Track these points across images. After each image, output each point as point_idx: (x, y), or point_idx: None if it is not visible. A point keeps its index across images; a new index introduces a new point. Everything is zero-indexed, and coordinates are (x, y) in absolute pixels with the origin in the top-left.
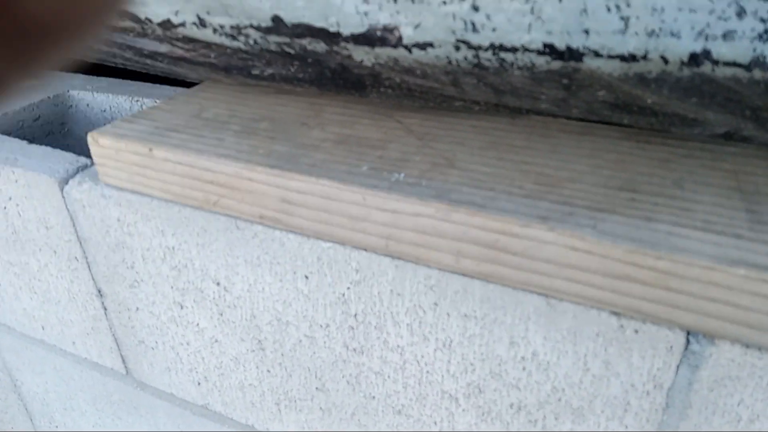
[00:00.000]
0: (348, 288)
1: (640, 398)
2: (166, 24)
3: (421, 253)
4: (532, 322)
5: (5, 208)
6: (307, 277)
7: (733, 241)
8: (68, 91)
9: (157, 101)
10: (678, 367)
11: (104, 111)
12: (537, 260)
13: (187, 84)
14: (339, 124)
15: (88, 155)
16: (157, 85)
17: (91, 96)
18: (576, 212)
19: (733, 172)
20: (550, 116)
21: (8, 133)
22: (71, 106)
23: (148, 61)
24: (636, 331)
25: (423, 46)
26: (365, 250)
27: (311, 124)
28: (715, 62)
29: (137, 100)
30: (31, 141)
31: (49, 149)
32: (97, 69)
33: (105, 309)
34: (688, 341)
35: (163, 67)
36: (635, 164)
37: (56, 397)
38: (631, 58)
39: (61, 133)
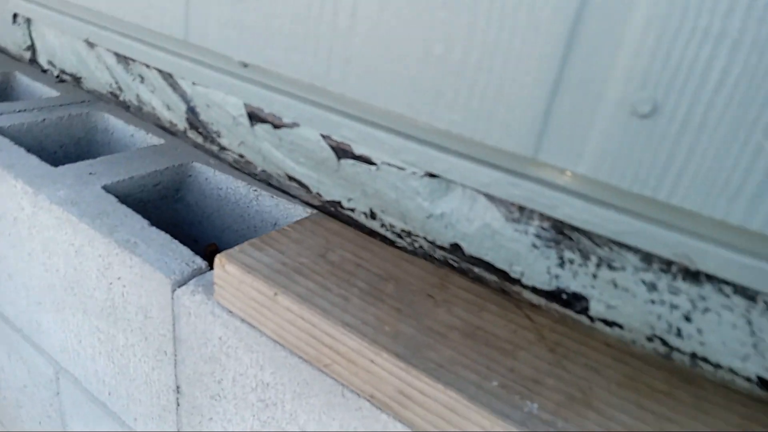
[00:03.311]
0: None
1: None
2: (335, 203)
3: None
4: None
5: (111, 284)
6: None
7: None
8: (192, 162)
9: (274, 196)
10: None
11: (220, 189)
12: None
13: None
14: (465, 305)
15: (194, 231)
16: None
17: (211, 173)
18: None
19: None
20: None
21: (128, 196)
22: (191, 175)
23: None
24: None
25: (611, 324)
26: None
27: (437, 299)
28: None
29: (255, 190)
30: (146, 204)
31: (168, 238)
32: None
33: (178, 405)
34: None
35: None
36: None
37: None
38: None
39: (174, 198)
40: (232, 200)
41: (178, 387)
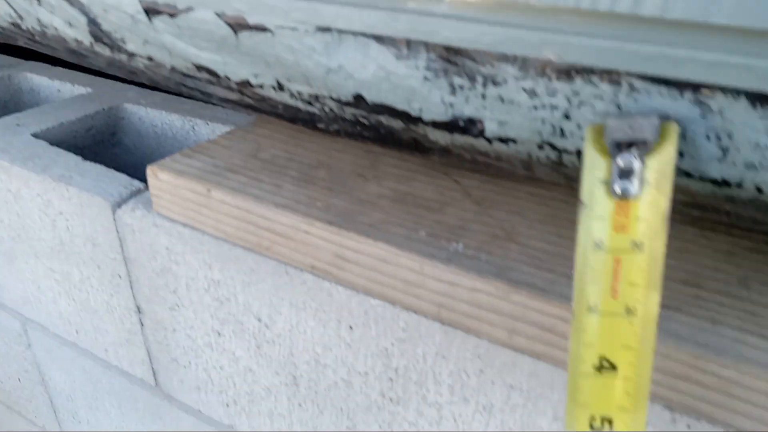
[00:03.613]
0: (392, 344)
1: None
2: (244, 83)
3: (472, 325)
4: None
5: (54, 221)
6: (351, 328)
7: None
8: (123, 104)
9: (209, 123)
10: None
11: (155, 126)
12: None
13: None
14: (395, 178)
15: (137, 174)
16: (209, 106)
17: (144, 111)
18: None
19: None
20: None
21: (62, 143)
22: (124, 118)
23: (214, 101)
24: (688, 426)
25: (505, 140)
26: (415, 312)
27: (368, 176)
28: None
29: (189, 120)
30: (82, 150)
31: (103, 169)
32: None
33: (142, 325)
34: None
35: (226, 106)
36: (699, 255)
37: (82, 395)
38: (724, 183)
39: (110, 142)
40: (170, 135)
41: (138, 307)
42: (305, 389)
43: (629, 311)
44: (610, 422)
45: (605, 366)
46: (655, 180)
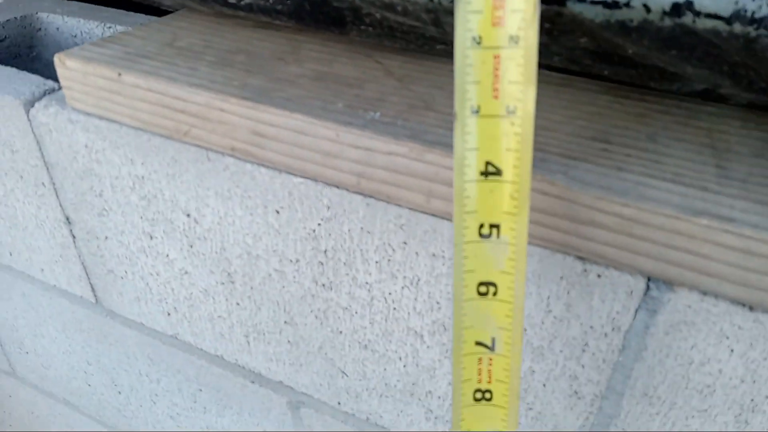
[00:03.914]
0: (319, 224)
1: (598, 339)
2: None
3: (392, 192)
4: None
5: None
6: (278, 212)
7: (699, 193)
8: (36, 13)
9: (130, 29)
10: (636, 311)
11: (75, 36)
12: None
13: (162, 13)
14: (317, 61)
15: (56, 80)
16: (131, 13)
17: (61, 20)
18: (549, 159)
19: (707, 129)
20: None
21: None
22: (40, 29)
23: None
24: (599, 276)
25: None
26: (337, 186)
27: (288, 60)
28: (697, 13)
29: (109, 27)
30: None
31: (14, 71)
32: None
33: (73, 237)
34: (648, 287)
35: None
36: (611, 117)
37: (25, 323)
38: (614, 4)
39: (29, 56)
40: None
41: (67, 218)
42: (241, 286)
43: (510, 111)
44: (498, 228)
45: (491, 171)
46: None
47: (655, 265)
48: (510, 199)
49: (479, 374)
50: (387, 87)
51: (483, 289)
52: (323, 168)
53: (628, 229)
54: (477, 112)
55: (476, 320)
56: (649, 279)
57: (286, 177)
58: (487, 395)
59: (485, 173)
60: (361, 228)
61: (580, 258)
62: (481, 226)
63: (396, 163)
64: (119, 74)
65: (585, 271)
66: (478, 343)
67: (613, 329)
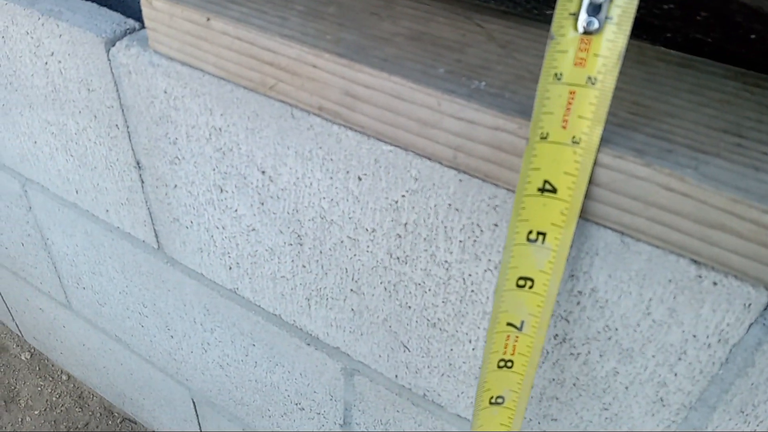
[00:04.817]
0: (403, 196)
1: (699, 349)
2: None
3: (491, 170)
4: (599, 257)
5: (46, 63)
6: (360, 179)
7: None
8: None
9: None
10: (751, 325)
11: None
12: (622, 195)
13: None
14: (412, 18)
15: (138, 19)
16: None
17: None
18: (676, 150)
19: None
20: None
21: None
22: None
23: None
24: (714, 284)
25: None
26: (429, 159)
27: (382, 15)
28: None
29: None
30: None
31: (95, 6)
32: None
33: (142, 182)
34: None
35: None
36: (742, 107)
37: (85, 260)
38: None
39: None
40: None
41: (138, 162)
42: (309, 249)
43: (575, 141)
44: (544, 236)
45: (547, 188)
46: (618, 17)
47: None
48: (560, 215)
49: (505, 348)
50: (490, 54)
51: (521, 282)
52: (417, 137)
53: (763, 238)
54: (545, 138)
55: (511, 306)
56: None
57: (375, 143)
58: (509, 364)
59: (542, 189)
60: (449, 205)
61: (696, 262)
62: (530, 232)
63: (500, 140)
64: (208, 19)
65: (699, 276)
66: (509, 324)
67: (719, 341)
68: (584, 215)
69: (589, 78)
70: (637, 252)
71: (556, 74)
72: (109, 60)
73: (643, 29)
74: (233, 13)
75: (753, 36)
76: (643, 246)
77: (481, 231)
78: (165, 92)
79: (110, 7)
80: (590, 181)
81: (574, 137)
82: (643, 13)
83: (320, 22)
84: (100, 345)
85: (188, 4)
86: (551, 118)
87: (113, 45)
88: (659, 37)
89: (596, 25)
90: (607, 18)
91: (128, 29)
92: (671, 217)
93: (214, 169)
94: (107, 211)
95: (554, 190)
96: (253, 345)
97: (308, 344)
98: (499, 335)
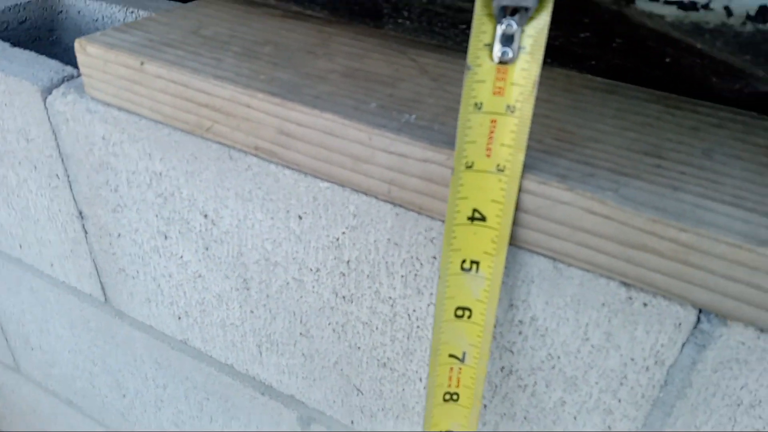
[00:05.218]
0: (343, 233)
1: (638, 373)
2: None
3: (425, 203)
4: (535, 285)
5: None
6: (300, 218)
7: (763, 219)
8: None
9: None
10: (684, 345)
11: (96, 20)
12: (549, 220)
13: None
14: (348, 56)
15: (77, 66)
16: None
17: (83, 2)
18: (597, 174)
19: (766, 147)
20: (575, 66)
21: None
22: (61, 11)
23: None
24: (645, 305)
25: None
26: (365, 194)
27: (318, 53)
28: None
29: (132, 12)
30: (15, 45)
31: (33, 55)
32: None
33: (86, 232)
34: (698, 319)
35: None
36: (663, 129)
37: (32, 318)
38: (691, 5)
39: (48, 40)
40: None
41: (80, 212)
42: (256, 293)
43: (500, 169)
44: (477, 264)
45: (477, 217)
46: (530, 46)
47: (709, 297)
48: (491, 242)
49: (449, 380)
50: (422, 87)
51: (459, 312)
52: (352, 173)
53: (683, 256)
54: (471, 167)
55: (451, 336)
56: (700, 311)
57: (312, 180)
58: (455, 397)
59: (471, 218)
60: (388, 239)
61: (625, 284)
62: (463, 261)
63: (431, 171)
64: (142, 63)
65: (630, 298)
66: (451, 356)
67: (655, 363)
68: (516, 242)
69: (509, 106)
70: (570, 277)
71: (476, 104)
72: (46, 108)
73: (569, 58)
74: (168, 56)
75: (667, 60)
76: (574, 271)
77: (421, 264)
78: (103, 138)
79: (52, 55)
80: (517, 208)
81: (498, 165)
82: (564, 42)
83: (255, 62)
84: (51, 410)
85: (122, 50)
86: (475, 147)
87: (50, 93)
88: (584, 65)
89: (510, 54)
90: (520, 48)
91: (66, 76)
92: (597, 240)
93: (157, 215)
94: (52, 265)
95: (483, 218)
96: (207, 399)
97: (262, 394)
98: (442, 368)
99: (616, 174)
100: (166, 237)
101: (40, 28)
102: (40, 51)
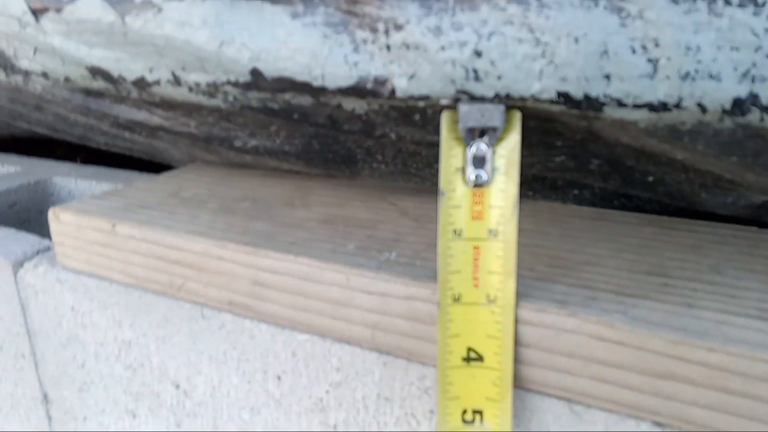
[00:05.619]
0: (327, 391)
1: None
2: (141, 82)
3: (414, 347)
4: None
5: None
6: (279, 378)
7: None
8: (51, 178)
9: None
10: None
11: None
12: (555, 353)
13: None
14: (327, 204)
15: None
16: (146, 174)
17: (73, 183)
18: (599, 297)
19: None
20: (559, 197)
21: None
22: (52, 194)
23: (126, 134)
24: None
25: (419, 99)
26: (348, 343)
27: (296, 204)
28: (765, 109)
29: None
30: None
31: (11, 231)
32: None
33: (49, 418)
34: None
35: (143, 143)
36: (662, 249)
37: None
38: (662, 106)
39: (38, 221)
40: None
41: (45, 395)
42: None
43: (490, 300)
44: (480, 414)
45: (473, 357)
46: (504, 166)
47: (761, 428)
48: (493, 386)
49: None
50: (402, 227)
51: None
52: (332, 320)
53: (720, 381)
54: (459, 300)
55: None
56: None
57: (289, 334)
58: None
59: (467, 359)
60: (378, 394)
61: (659, 423)
62: (464, 412)
63: (416, 309)
64: (113, 225)
65: None
66: None
67: None
68: (522, 384)
69: (490, 230)
70: (591, 422)
71: (455, 230)
72: (16, 282)
73: (550, 188)
74: (141, 217)
75: (650, 179)
76: (596, 413)
77: (417, 422)
78: (72, 309)
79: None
80: (517, 342)
81: (488, 295)
82: (541, 168)
83: (232, 216)
84: None
85: (95, 214)
86: (460, 277)
87: (21, 266)
88: (568, 195)
89: (485, 177)
90: (494, 168)
91: (41, 249)
92: (614, 372)
93: (125, 391)
94: None
95: (480, 358)
96: None
97: None
98: None
99: (620, 295)
100: (134, 416)
101: (30, 210)
102: (29, 232)
